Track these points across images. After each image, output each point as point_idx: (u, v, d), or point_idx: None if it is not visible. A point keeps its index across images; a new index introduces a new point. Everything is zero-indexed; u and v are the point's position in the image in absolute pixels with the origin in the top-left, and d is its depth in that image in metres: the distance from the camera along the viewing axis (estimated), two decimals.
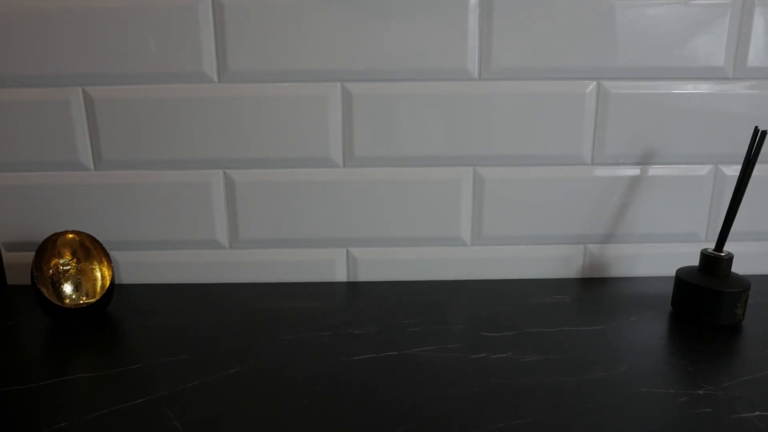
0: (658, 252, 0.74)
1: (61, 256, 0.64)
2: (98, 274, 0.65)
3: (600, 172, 0.71)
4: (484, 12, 0.66)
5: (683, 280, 0.63)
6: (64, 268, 0.64)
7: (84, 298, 0.64)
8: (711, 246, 0.63)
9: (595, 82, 0.68)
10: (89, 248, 0.65)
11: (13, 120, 0.68)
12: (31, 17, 0.65)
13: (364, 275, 0.74)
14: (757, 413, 0.46)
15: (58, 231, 0.65)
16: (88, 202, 0.71)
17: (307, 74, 0.67)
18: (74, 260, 0.65)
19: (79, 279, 0.65)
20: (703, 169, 0.71)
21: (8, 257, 0.73)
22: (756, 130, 0.61)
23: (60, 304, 0.62)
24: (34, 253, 0.63)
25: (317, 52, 0.66)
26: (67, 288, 0.64)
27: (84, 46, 0.66)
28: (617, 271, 0.74)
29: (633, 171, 0.71)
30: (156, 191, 0.70)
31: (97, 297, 0.64)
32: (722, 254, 0.62)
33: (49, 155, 0.69)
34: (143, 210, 0.71)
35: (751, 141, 0.62)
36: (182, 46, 0.66)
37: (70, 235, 0.65)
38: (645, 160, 0.71)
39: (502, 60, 0.67)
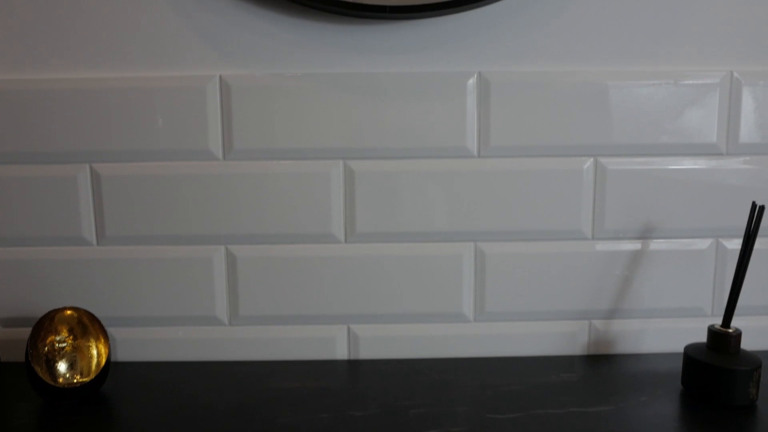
0: (665, 327, 0.73)
1: (57, 333, 0.63)
2: (94, 352, 0.64)
3: (601, 246, 0.71)
4: (482, 93, 0.68)
5: (692, 357, 0.62)
6: (60, 345, 0.63)
7: (78, 377, 0.63)
8: (718, 321, 0.62)
9: (592, 159, 0.69)
10: (86, 325, 0.64)
11: (18, 195, 0.69)
12: (43, 95, 0.67)
13: (366, 353, 0.72)
14: None
15: (57, 306, 0.64)
16: (89, 278, 0.71)
17: (309, 152, 0.69)
18: (70, 337, 0.64)
19: (74, 357, 0.63)
20: (704, 243, 0.71)
21: (5, 333, 0.72)
22: (753, 205, 0.62)
23: (53, 383, 0.60)
24: (30, 329, 0.62)
25: (320, 131, 0.68)
26: (62, 366, 0.62)
27: (93, 124, 0.68)
28: (623, 347, 0.73)
29: (634, 245, 0.71)
30: (157, 267, 0.70)
31: (92, 376, 0.62)
32: (730, 330, 0.61)
33: (53, 230, 0.70)
34: (144, 285, 0.71)
35: (749, 216, 0.62)
36: (189, 125, 0.68)
37: (68, 312, 0.64)
38: (645, 234, 0.71)
39: (500, 138, 0.69)
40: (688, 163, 0.70)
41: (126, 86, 0.67)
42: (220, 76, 0.67)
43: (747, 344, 0.65)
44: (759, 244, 0.63)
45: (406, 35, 0.68)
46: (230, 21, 0.67)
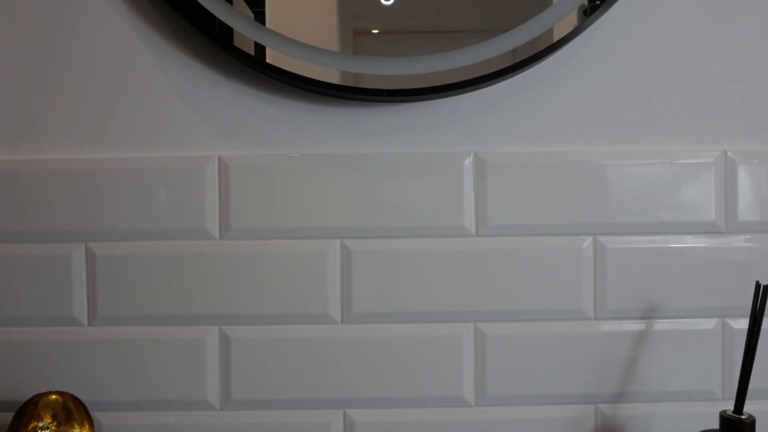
0: (674, 412, 0.70)
1: (40, 419, 0.61)
2: None
3: (604, 327, 0.69)
4: (478, 173, 0.69)
5: None
6: None
7: None
8: (729, 405, 0.60)
9: (590, 238, 0.69)
10: (72, 410, 0.62)
11: (9, 274, 0.68)
12: (40, 175, 0.68)
13: None
14: None
15: (43, 389, 0.62)
16: (78, 359, 0.68)
17: (306, 232, 0.68)
18: (54, 423, 0.61)
19: None
20: (710, 323, 0.70)
21: None
22: (758, 285, 0.61)
23: None
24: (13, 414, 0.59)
25: (317, 211, 0.68)
26: None
27: (90, 204, 0.68)
28: None
29: (638, 326, 0.69)
30: (148, 348, 0.68)
31: None
32: (743, 417, 0.59)
33: (44, 311, 0.68)
34: (133, 367, 0.69)
35: (754, 296, 0.61)
36: (187, 205, 0.68)
37: (53, 396, 0.62)
38: (649, 313, 0.69)
39: (497, 217, 0.68)
40: (688, 242, 0.69)
41: (124, 166, 0.68)
42: (219, 157, 0.68)
43: (762, 430, 0.62)
44: (766, 323, 0.61)
45: (403, 117, 0.69)
46: (229, 102, 0.69)
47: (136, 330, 0.69)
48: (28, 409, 0.60)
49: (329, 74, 0.66)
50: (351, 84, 0.66)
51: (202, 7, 0.65)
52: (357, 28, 0.68)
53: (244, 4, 0.67)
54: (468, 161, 0.68)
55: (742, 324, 0.68)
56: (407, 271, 0.69)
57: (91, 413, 0.62)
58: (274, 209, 0.68)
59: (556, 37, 0.66)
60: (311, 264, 0.68)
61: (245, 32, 0.66)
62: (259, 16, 0.67)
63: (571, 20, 0.66)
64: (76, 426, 0.62)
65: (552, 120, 0.69)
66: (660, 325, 0.69)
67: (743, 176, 0.69)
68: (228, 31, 0.66)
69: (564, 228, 0.69)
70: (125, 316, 0.68)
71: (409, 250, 0.68)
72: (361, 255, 0.68)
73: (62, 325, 0.69)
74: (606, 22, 0.69)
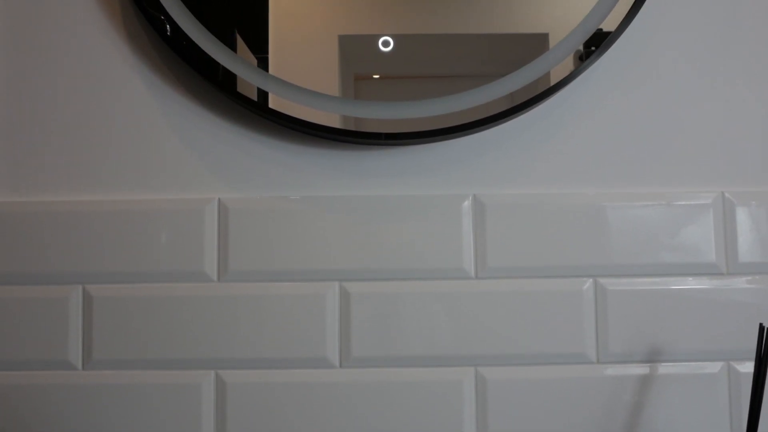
0: None
1: None
2: None
3: (607, 371, 0.68)
4: (477, 215, 0.69)
5: None
6: None
7: None
8: None
9: (591, 280, 0.68)
10: None
11: (5, 317, 0.67)
12: (38, 217, 0.68)
13: None
14: None
15: None
16: (71, 404, 0.67)
17: (305, 274, 0.68)
18: None
19: None
20: (715, 367, 0.68)
21: None
22: (761, 327, 0.60)
23: None
24: None
25: (315, 253, 0.68)
26: None
27: (88, 246, 0.68)
28: None
29: (642, 369, 0.68)
30: (142, 393, 0.67)
31: None
32: None
33: (39, 354, 0.67)
34: (128, 412, 0.67)
35: (758, 339, 0.60)
36: (185, 247, 0.68)
37: None
38: (653, 357, 0.68)
39: (497, 260, 0.68)
40: (690, 283, 0.69)
41: (123, 208, 0.68)
42: (219, 199, 0.69)
43: None
44: None
45: (401, 159, 0.70)
46: (231, 146, 0.70)
47: (131, 374, 0.67)
48: None
49: (330, 118, 0.67)
50: (352, 128, 0.67)
51: (206, 54, 0.67)
52: (358, 73, 0.69)
53: (248, 50, 0.69)
54: (467, 203, 0.69)
55: (748, 367, 0.67)
56: (406, 314, 0.68)
57: None
58: (273, 252, 0.68)
59: (553, 81, 0.67)
60: (310, 307, 0.68)
61: (249, 79, 0.67)
62: (263, 62, 0.68)
63: (567, 65, 0.68)
64: None
65: (550, 162, 0.70)
66: (665, 368, 0.68)
67: (742, 217, 0.69)
68: (231, 77, 0.67)
69: (564, 270, 0.68)
70: (120, 360, 0.67)
71: (409, 292, 0.68)
72: (360, 298, 0.68)
73: (56, 369, 0.67)
74: (601, 66, 0.71)
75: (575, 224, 0.69)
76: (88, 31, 0.70)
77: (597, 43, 0.67)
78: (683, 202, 0.69)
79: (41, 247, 0.68)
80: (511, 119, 0.68)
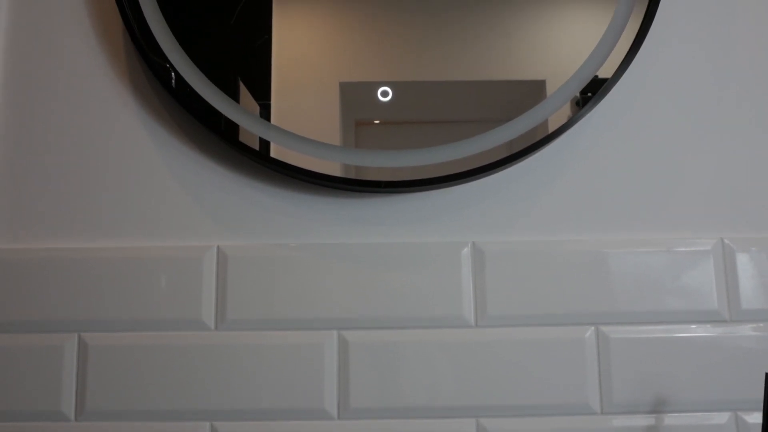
0: None
1: None
2: None
3: (611, 422, 0.66)
4: (476, 263, 0.68)
5: None
6: None
7: None
8: None
9: (593, 328, 0.67)
10: None
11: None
12: (35, 265, 0.68)
13: None
14: None
15: None
16: None
17: (303, 323, 0.67)
18: None
19: None
20: (722, 417, 0.67)
21: None
22: (767, 377, 0.59)
23: None
24: None
25: (314, 302, 0.67)
26: None
27: (85, 294, 0.67)
28: None
29: (647, 420, 0.66)
30: None
31: None
32: None
33: (31, 404, 0.66)
34: None
35: (765, 389, 0.59)
36: (183, 295, 0.67)
37: None
38: (658, 407, 0.67)
39: (497, 308, 0.68)
40: (693, 331, 0.68)
41: (121, 256, 0.68)
42: (218, 247, 0.68)
43: None
44: None
45: (400, 207, 0.70)
46: (232, 194, 0.70)
47: (124, 426, 0.66)
48: None
49: (331, 167, 0.67)
50: (353, 175, 0.67)
51: (209, 104, 0.68)
52: (359, 120, 0.70)
53: (250, 97, 0.70)
54: (466, 250, 0.68)
55: (756, 418, 0.65)
56: (406, 363, 0.67)
57: None
58: (271, 299, 0.67)
59: (551, 129, 0.68)
60: (308, 356, 0.67)
61: (251, 128, 0.68)
62: (265, 108, 0.69)
63: (565, 112, 0.68)
64: None
65: (549, 209, 0.70)
66: (671, 419, 0.66)
67: (742, 263, 0.69)
68: (233, 126, 0.68)
69: (565, 318, 0.67)
70: (114, 411, 0.66)
71: (408, 341, 0.67)
72: (358, 347, 0.67)
73: (48, 420, 0.66)
74: (598, 112, 0.72)
75: (575, 271, 0.68)
76: (92, 79, 0.72)
77: (594, 89, 0.68)
78: (683, 249, 0.69)
79: (36, 295, 0.67)
80: (510, 166, 0.69)
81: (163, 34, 0.69)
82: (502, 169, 0.68)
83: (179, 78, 0.68)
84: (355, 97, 0.70)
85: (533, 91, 0.69)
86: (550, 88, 0.69)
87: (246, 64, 0.69)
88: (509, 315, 0.67)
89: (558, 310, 0.67)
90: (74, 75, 0.72)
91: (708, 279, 0.68)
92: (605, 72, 0.69)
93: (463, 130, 0.68)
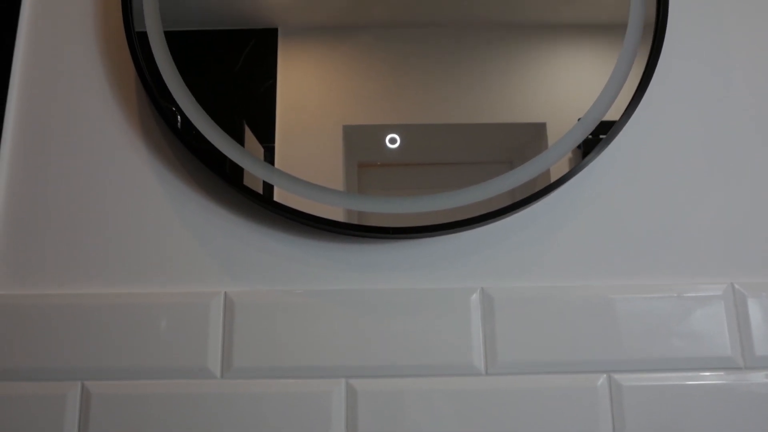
0: None
1: None
2: None
3: None
4: (486, 309, 0.68)
5: None
6: None
7: None
8: None
9: (605, 375, 0.66)
10: None
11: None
12: (37, 311, 0.67)
13: None
14: None
15: None
16: None
17: (310, 371, 0.66)
18: None
19: None
20: None
21: None
22: None
23: None
24: None
25: (322, 349, 0.67)
26: None
27: (89, 341, 0.66)
28: None
29: None
30: None
31: None
32: None
33: None
34: None
35: None
36: (189, 343, 0.66)
37: None
38: None
39: (507, 355, 0.67)
40: (707, 378, 0.67)
41: (127, 302, 0.67)
42: (225, 293, 0.68)
43: None
44: None
45: (408, 253, 0.70)
46: (237, 238, 0.70)
47: None
48: None
49: (334, 212, 0.67)
50: (356, 220, 0.67)
51: (214, 147, 0.68)
52: (362, 162, 0.70)
53: (255, 140, 0.70)
54: (475, 296, 0.68)
55: None
56: (415, 412, 0.65)
57: None
58: (278, 347, 0.67)
59: (553, 178, 0.67)
60: (315, 405, 0.65)
61: (255, 171, 0.68)
62: (269, 151, 0.69)
63: (568, 157, 0.68)
64: None
65: (557, 255, 0.70)
66: None
67: (754, 309, 0.68)
68: (238, 169, 0.68)
69: (577, 365, 0.66)
70: None
71: (417, 389, 0.66)
72: (367, 395, 0.65)
73: None
74: (604, 158, 0.72)
75: (585, 317, 0.67)
76: (103, 126, 0.72)
77: (597, 132, 0.68)
78: (693, 294, 0.68)
79: (39, 342, 0.67)
80: (515, 213, 0.68)
81: (174, 79, 0.70)
82: (507, 216, 0.68)
83: (186, 121, 0.69)
84: (358, 141, 0.70)
85: (536, 134, 0.69)
86: (551, 132, 0.69)
87: (251, 108, 0.70)
88: (520, 362, 0.66)
89: (569, 358, 0.66)
90: (86, 121, 0.72)
91: (720, 325, 0.68)
92: (610, 116, 0.69)
93: (467, 173, 0.68)
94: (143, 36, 0.71)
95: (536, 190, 0.67)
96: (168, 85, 0.70)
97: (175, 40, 0.72)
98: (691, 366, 0.67)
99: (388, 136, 0.70)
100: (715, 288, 0.68)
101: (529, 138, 0.69)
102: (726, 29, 0.76)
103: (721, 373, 0.67)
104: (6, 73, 0.73)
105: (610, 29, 0.72)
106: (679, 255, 0.70)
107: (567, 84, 0.71)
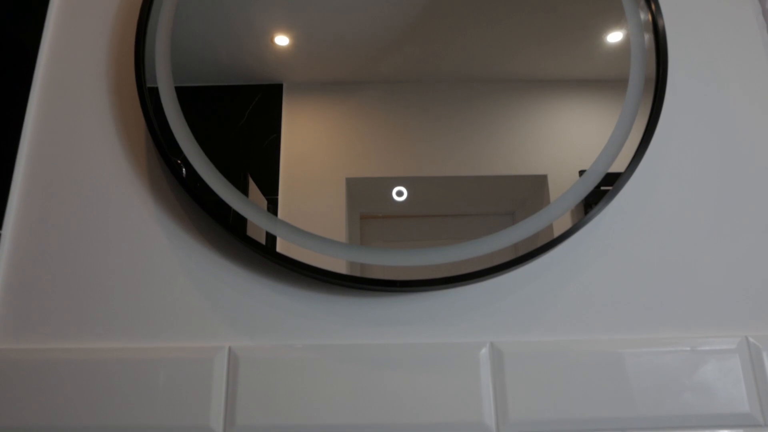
0: None
1: None
2: None
3: None
4: (495, 364, 0.66)
5: None
6: None
7: None
8: None
9: None
10: None
11: None
12: (32, 367, 0.65)
13: None
14: None
15: None
16: None
17: (312, 429, 0.64)
18: None
19: None
20: None
21: None
22: None
23: None
24: None
25: (326, 405, 0.64)
26: None
27: (88, 397, 0.64)
28: None
29: None
30: None
31: None
32: None
33: None
34: None
35: None
36: (191, 399, 0.64)
37: None
38: None
39: (518, 412, 0.64)
40: None
41: (129, 357, 0.65)
42: (230, 348, 0.66)
43: None
44: None
45: (415, 306, 0.68)
46: (241, 291, 0.68)
47: None
48: None
49: (337, 263, 0.66)
50: (358, 273, 0.66)
51: (218, 197, 0.68)
52: (364, 213, 0.70)
53: (258, 192, 0.70)
54: (484, 351, 0.66)
55: None
56: None
57: None
58: (282, 404, 0.64)
59: (556, 233, 0.67)
60: None
61: (257, 222, 0.68)
62: (273, 203, 0.69)
63: (574, 211, 0.68)
64: None
65: (566, 308, 0.68)
66: None
67: None
68: (242, 220, 0.68)
69: (589, 423, 0.64)
70: None
71: None
72: None
73: None
74: (609, 212, 0.72)
75: (595, 372, 0.65)
76: (112, 179, 0.72)
77: (600, 185, 0.69)
78: (707, 348, 0.67)
79: (40, 398, 0.64)
80: (520, 267, 0.68)
81: (182, 132, 0.71)
82: (511, 270, 0.67)
83: (192, 172, 0.69)
84: (360, 192, 0.70)
85: (537, 186, 0.70)
86: (552, 183, 0.69)
87: (255, 160, 0.70)
88: (532, 420, 0.64)
89: (581, 415, 0.64)
90: (94, 173, 0.73)
91: (736, 380, 0.66)
92: (614, 167, 0.69)
93: (468, 224, 0.68)
94: (154, 91, 0.73)
95: (539, 245, 0.66)
96: (176, 137, 0.71)
97: (183, 94, 0.73)
98: (706, 423, 0.64)
99: (395, 189, 0.70)
100: (729, 341, 0.67)
101: (531, 189, 0.69)
102: (725, 82, 0.78)
103: (740, 431, 0.64)
104: (18, 124, 0.73)
105: (611, 84, 0.74)
106: (689, 308, 0.69)
107: (568, 137, 0.71)
